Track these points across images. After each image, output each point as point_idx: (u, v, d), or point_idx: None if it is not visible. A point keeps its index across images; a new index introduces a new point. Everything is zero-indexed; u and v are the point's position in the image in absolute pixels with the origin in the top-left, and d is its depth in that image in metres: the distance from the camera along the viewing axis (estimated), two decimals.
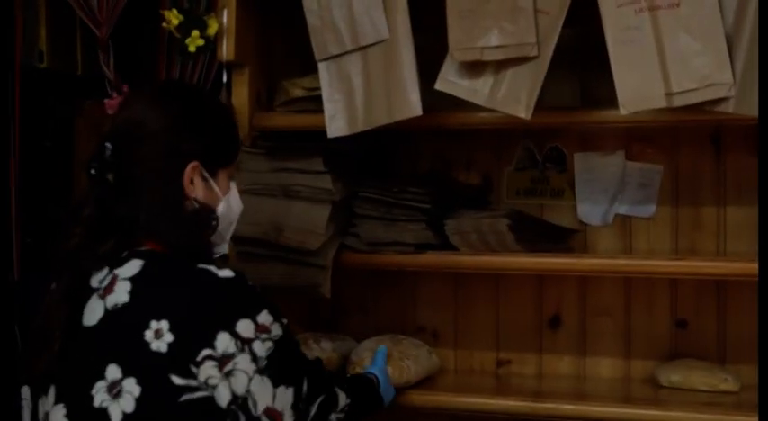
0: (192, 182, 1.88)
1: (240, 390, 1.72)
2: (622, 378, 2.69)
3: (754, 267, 2.30)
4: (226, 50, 2.57)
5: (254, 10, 2.62)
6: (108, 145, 1.85)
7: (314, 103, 2.50)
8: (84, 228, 1.84)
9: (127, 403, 1.70)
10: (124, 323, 1.75)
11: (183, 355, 1.70)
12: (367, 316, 2.93)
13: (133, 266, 1.79)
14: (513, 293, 2.79)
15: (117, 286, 1.78)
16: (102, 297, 1.78)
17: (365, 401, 2.22)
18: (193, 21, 2.53)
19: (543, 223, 2.70)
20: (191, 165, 1.88)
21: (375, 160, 2.81)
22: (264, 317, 1.77)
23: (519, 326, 2.79)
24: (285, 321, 1.83)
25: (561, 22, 2.24)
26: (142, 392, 1.70)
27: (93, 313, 1.78)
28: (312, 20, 2.44)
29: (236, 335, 1.72)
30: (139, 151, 1.85)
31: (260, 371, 1.74)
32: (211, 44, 2.56)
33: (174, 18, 2.53)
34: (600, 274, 2.61)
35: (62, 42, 3.41)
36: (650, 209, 2.67)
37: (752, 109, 2.14)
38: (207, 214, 1.90)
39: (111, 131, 1.90)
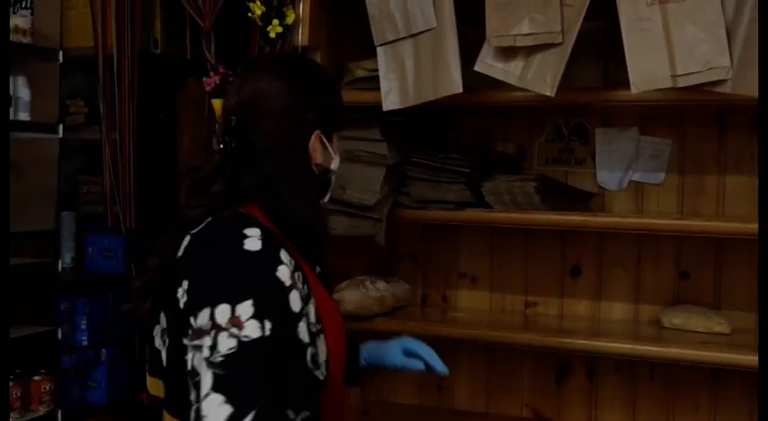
0: (315, 149, 1.70)
1: (198, 369, 1.46)
2: (631, 320, 2.64)
3: (748, 227, 2.28)
4: (301, 36, 2.54)
5: (326, 2, 2.58)
6: (233, 117, 1.65)
7: (374, 81, 2.45)
8: (212, 200, 1.62)
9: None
10: (173, 276, 1.56)
11: (186, 318, 1.49)
12: (417, 262, 2.89)
13: (204, 222, 1.61)
14: (539, 246, 2.74)
15: (184, 240, 1.60)
16: None
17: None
18: (274, 11, 2.51)
19: (567, 187, 2.65)
20: (315, 133, 1.69)
21: (427, 132, 2.78)
22: (244, 309, 1.44)
23: (544, 274, 2.75)
24: (275, 327, 1.45)
25: (583, 14, 2.19)
26: (168, 346, 1.56)
27: None
28: (372, 10, 2.41)
29: (212, 317, 1.45)
30: (266, 123, 1.65)
31: (208, 363, 1.42)
32: (289, 31, 2.53)
33: (257, 9, 2.51)
34: (614, 231, 2.55)
35: (174, 31, 3.43)
36: (660, 176, 2.61)
37: (747, 90, 2.08)
38: (325, 177, 1.74)
39: (237, 105, 1.68)
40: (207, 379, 1.42)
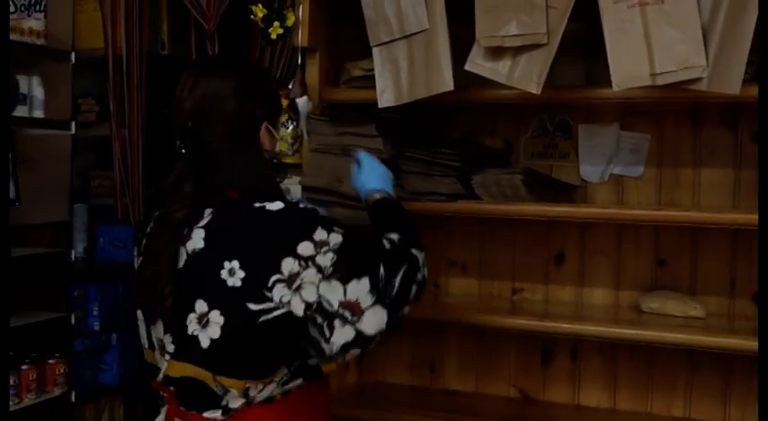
0: (264, 139, 1.80)
1: (311, 298, 1.62)
2: (612, 305, 2.64)
3: (722, 217, 2.29)
4: (301, 38, 2.54)
5: (324, 5, 2.57)
6: (190, 124, 1.70)
7: (370, 80, 2.45)
8: (190, 200, 1.70)
9: (213, 331, 1.65)
10: (203, 265, 1.67)
11: (256, 285, 1.63)
12: None
13: (206, 215, 1.70)
14: (526, 235, 2.73)
15: (194, 233, 1.68)
16: (183, 244, 1.69)
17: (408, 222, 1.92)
18: (275, 14, 2.52)
19: (551, 179, 2.64)
20: (263, 126, 1.79)
21: (420, 128, 2.76)
22: (320, 234, 1.65)
23: (530, 262, 2.74)
24: (340, 228, 1.68)
25: (567, 16, 2.18)
26: (225, 321, 1.65)
27: (180, 258, 1.69)
28: (368, 13, 2.40)
29: (298, 257, 1.62)
30: (220, 124, 1.72)
31: (327, 278, 1.62)
32: (289, 33, 2.53)
33: (259, 11, 2.51)
34: (596, 221, 2.55)
35: (180, 34, 3.42)
36: (639, 169, 2.60)
37: (722, 88, 2.08)
38: (276, 160, 1.85)
39: (191, 109, 1.72)
40: (335, 287, 1.63)
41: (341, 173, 2.48)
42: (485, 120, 2.78)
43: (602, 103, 2.54)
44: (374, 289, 1.65)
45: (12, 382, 2.84)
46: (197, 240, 1.68)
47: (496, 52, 2.26)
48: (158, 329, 1.74)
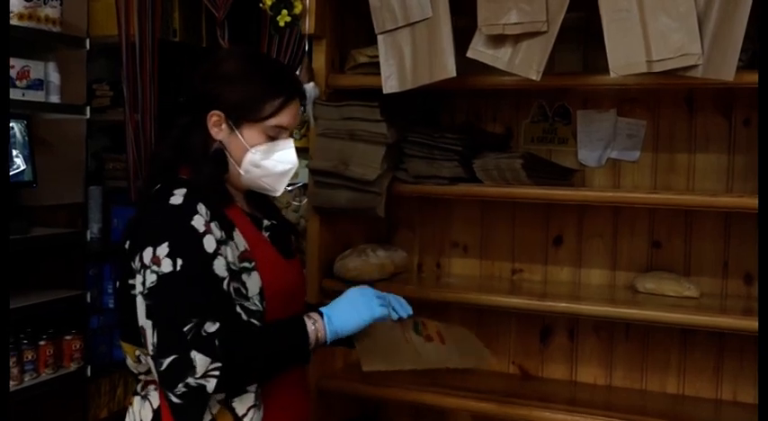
0: (218, 126, 1.73)
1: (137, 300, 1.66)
2: (608, 285, 2.64)
3: (716, 200, 2.28)
4: (308, 25, 2.52)
5: None
6: (182, 99, 1.79)
7: (375, 67, 2.44)
8: (154, 164, 1.79)
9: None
10: (127, 231, 1.71)
11: (129, 264, 1.66)
12: (414, 232, 2.89)
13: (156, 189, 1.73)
14: (525, 218, 2.74)
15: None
16: None
17: (281, 353, 1.71)
18: (283, 2, 2.50)
19: (550, 163, 2.63)
20: (211, 112, 1.72)
21: (423, 113, 2.76)
22: (162, 250, 1.60)
23: (530, 243, 2.74)
24: (185, 263, 1.60)
25: (566, 5, 2.18)
26: (118, 286, 1.73)
27: None
28: (373, 1, 2.39)
29: (141, 259, 1.62)
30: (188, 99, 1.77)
31: (142, 296, 1.61)
32: (297, 21, 2.52)
33: (268, 0, 2.48)
34: (593, 204, 2.55)
35: (191, 22, 3.41)
36: (635, 154, 2.60)
37: (716, 74, 2.07)
38: (224, 155, 1.75)
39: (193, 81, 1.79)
40: (142, 309, 1.62)
41: (347, 156, 2.48)
42: (486, 105, 2.77)
43: (600, 90, 2.54)
44: (154, 346, 1.59)
45: (30, 357, 2.86)
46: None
47: (497, 40, 2.25)
48: None
